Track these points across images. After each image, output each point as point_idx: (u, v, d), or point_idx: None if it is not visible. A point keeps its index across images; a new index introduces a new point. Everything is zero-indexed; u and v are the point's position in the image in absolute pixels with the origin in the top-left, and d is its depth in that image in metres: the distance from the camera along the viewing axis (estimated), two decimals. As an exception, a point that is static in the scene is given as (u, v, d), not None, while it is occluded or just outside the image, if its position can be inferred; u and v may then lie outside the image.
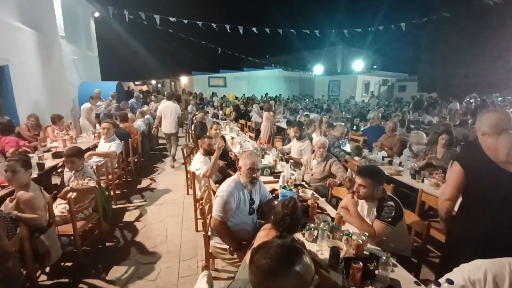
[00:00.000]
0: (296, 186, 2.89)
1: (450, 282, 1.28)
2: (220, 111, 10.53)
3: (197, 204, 3.25)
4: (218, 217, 2.07)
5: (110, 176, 3.89)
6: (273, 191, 2.75)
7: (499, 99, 13.84)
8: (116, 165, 4.24)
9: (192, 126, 6.71)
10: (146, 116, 6.82)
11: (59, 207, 2.64)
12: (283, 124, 7.73)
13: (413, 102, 13.04)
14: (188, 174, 4.13)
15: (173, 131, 5.99)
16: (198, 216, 3.27)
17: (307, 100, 16.36)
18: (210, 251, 2.25)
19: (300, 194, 2.69)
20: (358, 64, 21.68)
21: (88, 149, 4.52)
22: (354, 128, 7.28)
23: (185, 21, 7.09)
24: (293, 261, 0.88)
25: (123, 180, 4.76)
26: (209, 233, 2.26)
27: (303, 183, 3.09)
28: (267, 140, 6.47)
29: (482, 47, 11.84)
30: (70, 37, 7.84)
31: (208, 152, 3.28)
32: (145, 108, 7.42)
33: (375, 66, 27.32)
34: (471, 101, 12.47)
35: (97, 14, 9.93)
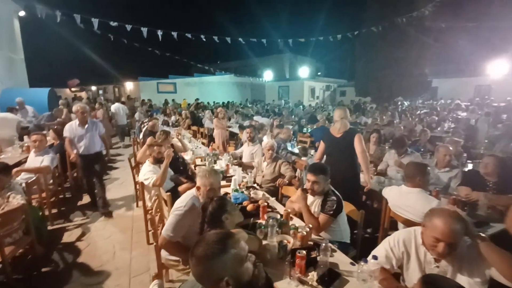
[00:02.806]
0: (248, 188, 3.00)
1: (375, 257, 1.52)
2: (172, 117, 10.19)
3: (147, 215, 3.14)
4: (167, 236, 1.94)
5: (43, 194, 3.48)
6: (226, 195, 2.81)
7: (419, 101, 16.25)
8: (51, 181, 3.82)
9: (141, 134, 6.38)
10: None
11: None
12: (236, 129, 7.85)
13: (353, 105, 14.50)
14: (137, 185, 3.93)
15: (125, 122, 8.88)
16: (149, 228, 3.15)
17: (258, 105, 16.82)
18: (162, 262, 2.20)
19: (252, 195, 2.80)
20: (304, 71, 23.13)
21: (17, 164, 3.98)
22: (303, 130, 7.77)
23: (128, 26, 6.72)
24: (226, 241, 1.00)
25: (61, 198, 4.29)
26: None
27: (255, 185, 3.22)
28: (222, 146, 6.49)
29: (403, 57, 13.90)
30: (-13, 37, 6.79)
31: (158, 161, 3.19)
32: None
33: (319, 73, 29.44)
34: (398, 104, 14.42)
35: (22, 13, 8.77)
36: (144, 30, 7.14)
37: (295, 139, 6.05)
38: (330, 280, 1.57)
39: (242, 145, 5.40)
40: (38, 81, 11.14)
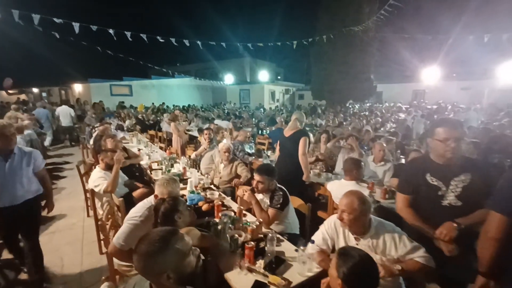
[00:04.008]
0: (204, 189, 3.07)
1: (312, 241, 1.74)
2: (127, 122, 9.70)
3: (99, 223, 3.02)
4: (118, 244, 1.90)
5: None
6: (182, 196, 2.85)
7: (368, 104, 17.83)
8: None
9: (91, 140, 6.00)
10: (26, 132, 5.67)
11: None
12: (195, 133, 7.81)
13: (310, 108, 15.36)
14: (87, 194, 3.73)
15: (71, 124, 9.07)
16: (102, 237, 3.03)
17: (220, 108, 16.83)
18: (115, 268, 2.16)
19: (208, 196, 2.89)
20: (264, 75, 23.76)
21: None
22: (261, 132, 8.03)
23: (75, 24, 6.27)
24: (168, 239, 1.06)
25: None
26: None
27: (212, 186, 3.30)
28: (180, 150, 6.39)
29: (351, 64, 15.28)
30: None
31: (110, 167, 3.09)
32: (25, 122, 6.16)
33: (279, 77, 30.50)
34: (349, 106, 15.68)
35: None
36: (94, 28, 6.73)
37: (253, 141, 6.25)
38: (276, 266, 1.75)
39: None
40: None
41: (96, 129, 6.33)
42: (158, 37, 8.20)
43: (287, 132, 3.37)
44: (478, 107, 11.99)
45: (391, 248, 1.60)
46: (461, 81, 18.54)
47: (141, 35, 7.75)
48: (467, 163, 1.67)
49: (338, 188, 2.70)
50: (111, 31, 6.93)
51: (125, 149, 3.86)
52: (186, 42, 8.93)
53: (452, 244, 1.60)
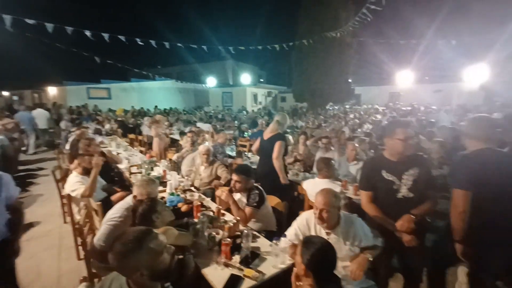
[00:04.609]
0: (184, 191, 3.13)
1: (284, 236, 1.86)
2: (107, 125, 9.47)
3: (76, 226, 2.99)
4: (98, 245, 1.94)
5: None
6: (161, 199, 2.88)
7: (347, 106, 18.44)
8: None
9: (67, 145, 5.83)
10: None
11: None
12: (177, 136, 7.78)
13: (291, 110, 15.70)
14: (64, 200, 3.66)
15: (46, 127, 9.22)
16: (79, 242, 3.00)
17: (202, 111, 16.79)
18: (94, 271, 2.17)
19: (188, 197, 2.95)
20: (246, 78, 23.91)
21: None
22: (243, 134, 8.14)
23: (49, 25, 6.07)
24: (142, 239, 1.11)
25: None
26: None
27: (192, 188, 3.36)
28: (160, 153, 6.34)
29: (330, 67, 15.80)
30: None
31: (88, 171, 3.06)
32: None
33: (261, 80, 30.78)
34: (330, 108, 16.18)
35: None
36: (69, 30, 6.53)
37: (235, 143, 6.34)
38: (251, 260, 1.85)
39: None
40: None
41: (72, 133, 6.17)
42: (138, 39, 8.09)
43: (266, 134, 3.40)
44: (448, 108, 12.73)
45: (360, 238, 1.75)
46: (433, 84, 19.62)
47: (120, 37, 7.62)
48: (415, 159, 1.88)
49: (312, 187, 2.84)
50: (87, 32, 6.77)
51: (103, 154, 3.82)
52: (167, 45, 8.86)
53: (412, 235, 1.78)
